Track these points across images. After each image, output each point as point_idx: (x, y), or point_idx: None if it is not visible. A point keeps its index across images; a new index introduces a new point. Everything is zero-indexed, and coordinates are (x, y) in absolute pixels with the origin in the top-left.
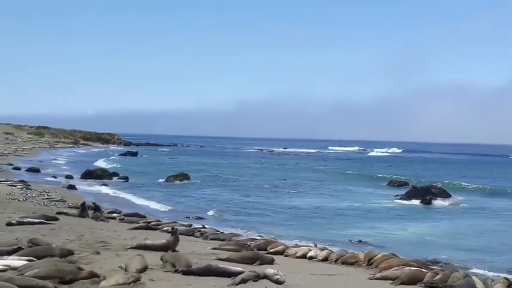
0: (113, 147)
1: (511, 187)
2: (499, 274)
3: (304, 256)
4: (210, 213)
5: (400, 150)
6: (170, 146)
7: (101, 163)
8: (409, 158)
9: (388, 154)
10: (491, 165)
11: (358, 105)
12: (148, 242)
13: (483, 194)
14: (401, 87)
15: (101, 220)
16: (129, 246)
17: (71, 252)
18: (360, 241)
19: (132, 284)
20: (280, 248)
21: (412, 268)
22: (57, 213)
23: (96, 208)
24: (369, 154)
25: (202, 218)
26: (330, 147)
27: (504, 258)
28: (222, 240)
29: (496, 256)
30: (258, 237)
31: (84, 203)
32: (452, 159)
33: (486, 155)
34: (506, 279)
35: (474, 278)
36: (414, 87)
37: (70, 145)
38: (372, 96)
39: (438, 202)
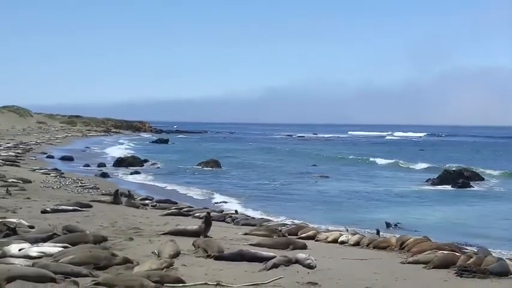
0: (144, 134)
1: None
2: None
3: (335, 241)
4: (240, 199)
5: (424, 134)
6: (200, 133)
7: (124, 151)
8: (434, 141)
9: (412, 138)
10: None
11: (385, 90)
12: (181, 227)
13: None
14: (427, 72)
15: (136, 207)
16: (162, 232)
17: (104, 239)
18: (394, 225)
19: (165, 269)
20: (311, 232)
21: (444, 252)
22: (92, 201)
23: (129, 195)
24: (388, 137)
25: (230, 203)
26: (349, 132)
27: None
28: (253, 225)
29: None
30: (289, 223)
31: (117, 190)
32: (477, 142)
33: (500, 137)
34: None
35: (508, 261)
36: (439, 73)
37: (102, 133)
38: (398, 82)
39: (471, 186)
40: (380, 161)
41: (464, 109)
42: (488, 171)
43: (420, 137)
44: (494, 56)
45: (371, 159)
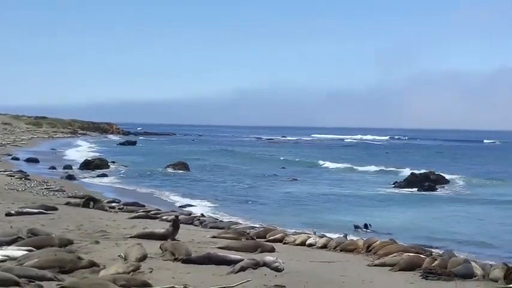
0: (111, 136)
1: (505, 174)
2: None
3: (303, 243)
4: (208, 201)
5: (387, 137)
6: (168, 135)
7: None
8: (399, 145)
9: (376, 141)
10: (466, 151)
11: (351, 93)
12: (148, 230)
13: (478, 181)
14: (392, 76)
15: (104, 210)
16: (129, 236)
17: (70, 242)
18: (364, 226)
19: (132, 272)
20: (279, 235)
21: (410, 254)
22: (57, 204)
23: (95, 199)
24: (349, 140)
25: (198, 207)
26: (313, 135)
27: (501, 244)
28: (221, 228)
29: (494, 243)
30: (257, 225)
31: (87, 196)
32: (440, 145)
33: (461, 141)
34: (505, 264)
35: (473, 263)
36: (404, 76)
37: (69, 135)
38: (364, 85)
39: (437, 189)
40: (333, 164)
41: (429, 112)
42: (451, 176)
43: (385, 140)
44: (458, 60)
45: (327, 163)
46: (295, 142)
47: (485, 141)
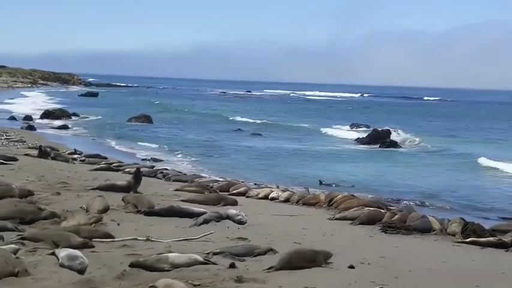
0: (73, 87)
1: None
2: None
3: (266, 197)
4: (172, 155)
5: (350, 94)
6: (131, 87)
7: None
8: (358, 101)
9: (340, 97)
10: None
11: (309, 49)
12: (110, 182)
13: (436, 139)
14: (351, 32)
15: (66, 161)
16: (91, 187)
17: (30, 193)
18: (322, 182)
19: (94, 224)
20: (242, 189)
21: (371, 209)
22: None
23: (54, 150)
24: (310, 97)
25: (162, 160)
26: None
27: (458, 196)
28: (184, 181)
29: (450, 195)
30: (221, 179)
31: (41, 145)
32: (401, 103)
33: (406, 98)
34: (462, 219)
35: (431, 218)
36: (364, 33)
37: (29, 85)
38: (322, 41)
39: (399, 146)
40: (296, 120)
41: (382, 70)
42: (407, 133)
43: (349, 96)
44: (418, 19)
45: (290, 118)
46: (259, 97)
47: (425, 98)
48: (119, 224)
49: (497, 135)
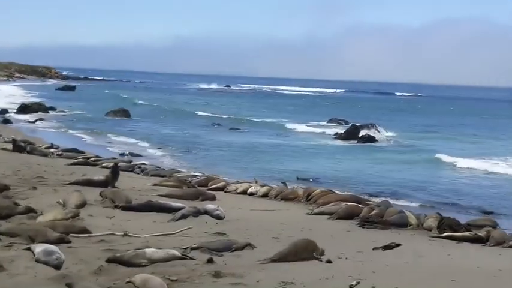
0: (50, 81)
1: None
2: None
3: (244, 192)
4: (151, 149)
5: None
6: (109, 81)
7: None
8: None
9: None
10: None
11: (287, 43)
12: (87, 177)
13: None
14: (328, 26)
15: (44, 155)
16: (67, 182)
17: (6, 187)
18: (299, 178)
19: (71, 219)
20: (221, 184)
21: (348, 203)
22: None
23: (30, 144)
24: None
25: (140, 156)
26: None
27: (433, 191)
28: (162, 176)
29: (424, 190)
30: (199, 174)
31: (14, 139)
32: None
33: (380, 93)
34: (439, 214)
35: (408, 212)
36: (341, 27)
37: (5, 78)
38: (300, 34)
39: (376, 141)
40: (274, 115)
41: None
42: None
43: (326, 92)
44: (395, 13)
45: (268, 114)
46: (239, 92)
47: (398, 94)
48: (83, 220)
49: (465, 130)
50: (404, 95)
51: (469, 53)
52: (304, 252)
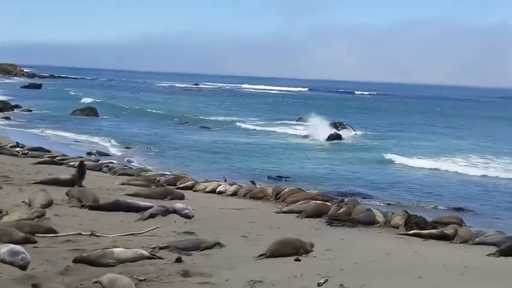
0: (15, 79)
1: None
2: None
3: (213, 191)
4: (117, 148)
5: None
6: (76, 78)
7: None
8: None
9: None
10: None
11: (255, 42)
12: (53, 176)
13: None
14: (296, 26)
15: (13, 155)
16: (33, 181)
17: None
18: (278, 176)
19: (36, 219)
20: (189, 183)
21: (317, 202)
22: None
23: None
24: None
25: (108, 155)
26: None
27: (402, 187)
28: (130, 175)
29: (390, 188)
30: (168, 173)
31: None
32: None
33: (341, 92)
34: (406, 212)
35: (375, 211)
36: (308, 28)
37: None
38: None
39: (343, 139)
40: (245, 113)
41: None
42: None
43: (293, 90)
44: (361, 14)
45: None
46: (208, 90)
47: (356, 92)
48: (50, 219)
49: (425, 129)
50: (363, 94)
51: (433, 53)
52: (293, 248)
